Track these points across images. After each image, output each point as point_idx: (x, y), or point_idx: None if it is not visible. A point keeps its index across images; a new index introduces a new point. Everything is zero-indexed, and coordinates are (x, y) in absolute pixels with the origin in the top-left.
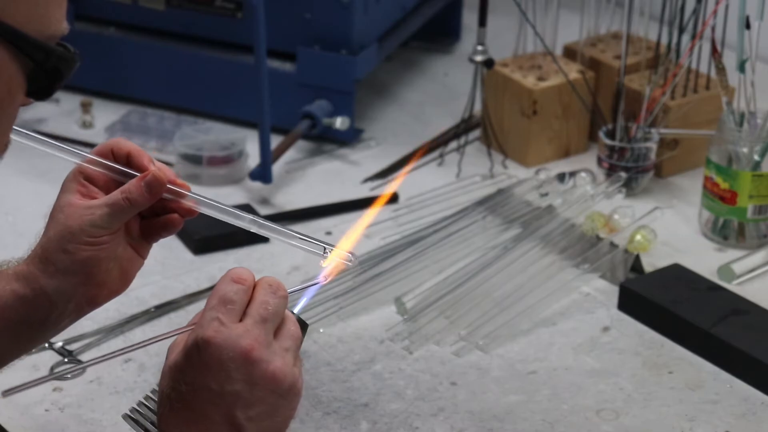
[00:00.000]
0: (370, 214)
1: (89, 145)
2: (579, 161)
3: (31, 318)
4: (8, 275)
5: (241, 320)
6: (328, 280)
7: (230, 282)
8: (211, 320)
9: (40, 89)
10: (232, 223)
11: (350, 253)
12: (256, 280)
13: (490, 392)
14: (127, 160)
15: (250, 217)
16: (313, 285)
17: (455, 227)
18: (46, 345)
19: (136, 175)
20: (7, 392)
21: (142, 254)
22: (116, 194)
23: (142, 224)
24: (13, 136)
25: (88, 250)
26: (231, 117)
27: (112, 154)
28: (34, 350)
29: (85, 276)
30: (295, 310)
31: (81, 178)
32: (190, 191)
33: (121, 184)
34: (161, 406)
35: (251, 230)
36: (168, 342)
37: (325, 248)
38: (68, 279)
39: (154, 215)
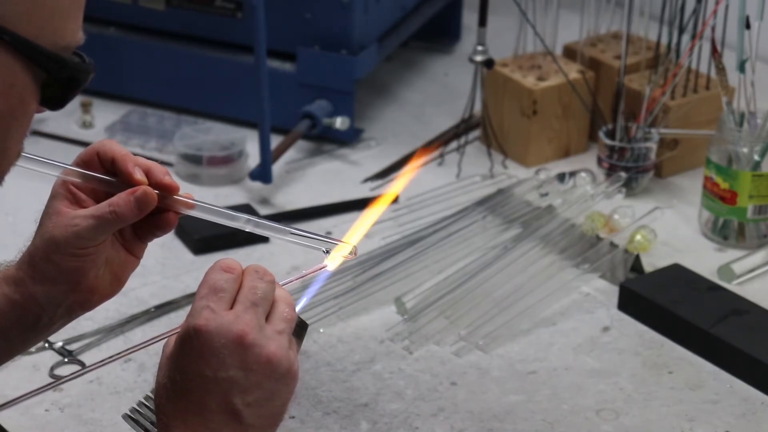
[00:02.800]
0: (373, 213)
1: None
2: (579, 161)
3: (21, 322)
4: (1, 278)
5: (231, 308)
6: (332, 267)
7: (219, 271)
8: (202, 309)
9: (54, 98)
10: (227, 224)
11: (347, 242)
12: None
13: (490, 392)
14: (112, 164)
15: (246, 216)
16: (319, 269)
17: (455, 227)
18: (46, 345)
19: (116, 182)
20: (3, 406)
21: (137, 254)
22: (104, 207)
23: (134, 225)
24: None
25: (73, 261)
26: (231, 117)
27: (98, 158)
28: (34, 350)
29: (72, 284)
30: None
31: (69, 184)
32: (179, 191)
33: (109, 191)
34: (158, 397)
35: (246, 230)
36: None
37: (322, 244)
38: (56, 287)
39: (147, 215)
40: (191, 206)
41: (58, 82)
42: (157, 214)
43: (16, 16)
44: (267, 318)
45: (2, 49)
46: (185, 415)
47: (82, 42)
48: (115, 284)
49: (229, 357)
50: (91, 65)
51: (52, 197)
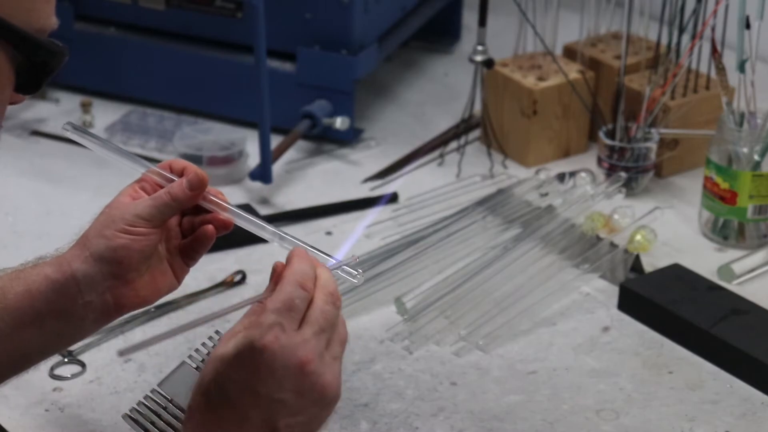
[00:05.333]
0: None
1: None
2: (579, 161)
3: (58, 306)
4: (45, 262)
5: (299, 326)
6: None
7: (297, 287)
8: (273, 325)
9: (28, 83)
10: (258, 234)
11: (358, 271)
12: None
13: (490, 392)
14: (181, 174)
15: (272, 229)
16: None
17: (455, 227)
18: None
19: None
20: (124, 352)
21: (178, 276)
22: (161, 192)
23: (181, 244)
24: (85, 142)
25: (123, 237)
26: (231, 117)
27: (170, 169)
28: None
29: (115, 266)
30: None
31: (137, 186)
32: (227, 202)
33: None
34: (200, 394)
35: (273, 243)
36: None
37: (334, 262)
38: (99, 266)
39: (189, 229)
40: (233, 214)
41: (33, 65)
42: (199, 228)
43: None
44: (327, 342)
45: None
46: (225, 424)
47: (55, 26)
48: (152, 289)
49: (287, 381)
50: (65, 49)
51: (118, 195)
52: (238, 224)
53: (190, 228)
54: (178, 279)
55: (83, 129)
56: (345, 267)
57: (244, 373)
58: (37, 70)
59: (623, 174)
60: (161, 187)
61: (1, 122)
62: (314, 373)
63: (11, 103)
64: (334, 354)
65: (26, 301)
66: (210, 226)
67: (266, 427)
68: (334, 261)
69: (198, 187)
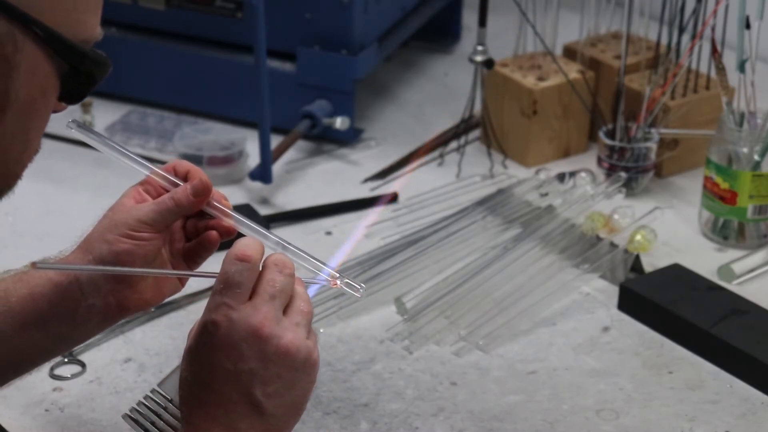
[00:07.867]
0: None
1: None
2: (579, 161)
3: (61, 309)
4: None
5: (249, 299)
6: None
7: (234, 261)
8: (220, 305)
9: (72, 93)
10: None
11: (361, 285)
12: (264, 254)
13: (490, 392)
14: (185, 177)
15: (275, 238)
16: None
17: (455, 227)
18: None
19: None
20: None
21: (181, 279)
22: (164, 197)
23: (184, 248)
24: (88, 140)
25: (126, 242)
26: (231, 117)
27: (174, 172)
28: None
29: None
30: None
31: (141, 189)
32: (231, 208)
33: None
34: (181, 389)
35: (277, 250)
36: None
37: (336, 279)
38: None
39: (193, 233)
40: (230, 217)
41: (78, 76)
42: (203, 232)
43: (38, 6)
44: (285, 311)
45: (27, 38)
46: (207, 408)
47: (100, 38)
48: (156, 292)
49: (248, 349)
50: (109, 59)
51: (121, 197)
52: (242, 232)
53: (194, 231)
54: (182, 281)
55: (87, 127)
56: (347, 280)
57: (208, 355)
58: (82, 80)
59: (623, 174)
60: (165, 190)
61: (44, 129)
62: (272, 336)
63: (54, 112)
64: (295, 321)
65: (29, 303)
66: (214, 233)
67: (246, 402)
68: (338, 276)
69: (202, 193)
